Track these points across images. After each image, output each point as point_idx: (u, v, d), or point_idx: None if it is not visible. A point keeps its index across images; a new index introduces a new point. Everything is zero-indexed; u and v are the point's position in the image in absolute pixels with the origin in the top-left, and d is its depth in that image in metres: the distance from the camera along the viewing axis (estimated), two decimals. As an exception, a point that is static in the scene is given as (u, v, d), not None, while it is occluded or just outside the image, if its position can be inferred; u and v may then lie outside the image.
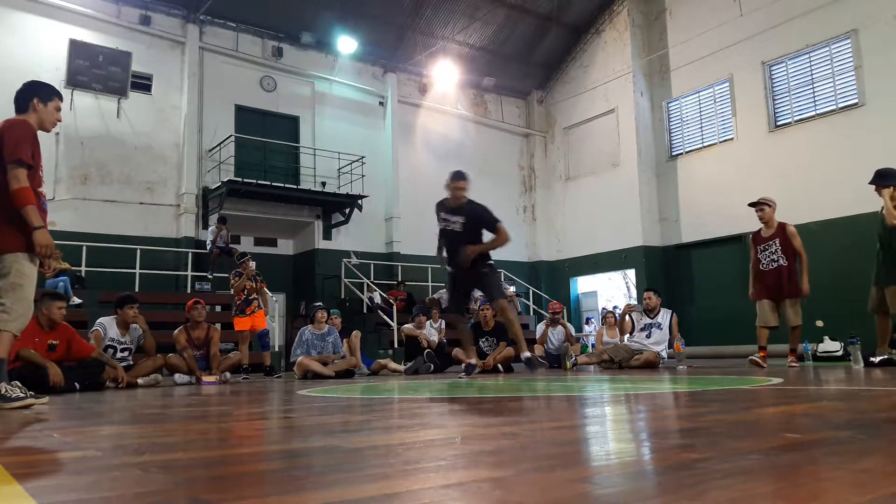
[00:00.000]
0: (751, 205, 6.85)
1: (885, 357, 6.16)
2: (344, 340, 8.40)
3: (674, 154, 15.12)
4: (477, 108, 17.46)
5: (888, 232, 6.11)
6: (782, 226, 6.72)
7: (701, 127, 14.57)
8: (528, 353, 5.70)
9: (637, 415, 2.54)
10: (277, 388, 5.55)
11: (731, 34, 13.58)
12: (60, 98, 4.00)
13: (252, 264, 8.52)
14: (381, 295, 13.16)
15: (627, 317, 8.60)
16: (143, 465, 1.49)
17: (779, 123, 13.11)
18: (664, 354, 8.29)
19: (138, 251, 11.80)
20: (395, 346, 11.37)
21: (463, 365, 6.99)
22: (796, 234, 6.65)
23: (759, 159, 13.05)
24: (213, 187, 12.98)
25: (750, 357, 6.75)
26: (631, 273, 15.22)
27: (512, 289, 15.28)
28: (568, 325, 10.17)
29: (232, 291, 8.77)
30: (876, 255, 6.33)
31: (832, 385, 3.95)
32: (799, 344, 7.20)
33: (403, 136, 15.96)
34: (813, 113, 12.58)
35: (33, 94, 3.86)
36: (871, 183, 6.33)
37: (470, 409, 3.00)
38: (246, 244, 13.75)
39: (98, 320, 6.80)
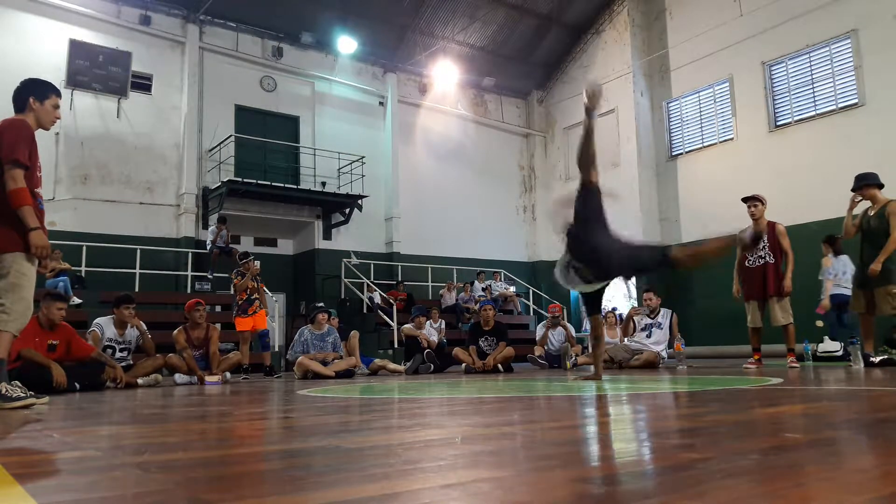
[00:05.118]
0: (744, 199, 6.86)
1: (885, 357, 6.16)
2: (342, 342, 8.39)
3: (674, 154, 15.12)
4: (477, 108, 17.46)
5: (875, 233, 6.14)
6: (772, 224, 6.73)
7: (701, 127, 14.57)
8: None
9: (637, 415, 2.54)
10: (277, 388, 5.55)
11: (731, 34, 13.58)
12: (58, 95, 3.97)
13: (256, 264, 8.52)
14: (381, 295, 13.16)
15: (631, 321, 8.61)
16: (143, 465, 1.49)
17: (779, 123, 13.11)
18: (664, 354, 8.29)
19: (138, 251, 11.80)
20: (395, 346, 11.38)
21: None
22: (785, 234, 6.67)
23: (759, 159, 13.04)
24: (213, 187, 12.98)
25: (743, 366, 6.75)
26: (631, 273, 15.20)
27: (512, 289, 15.30)
28: (568, 325, 10.17)
29: (233, 291, 8.76)
30: (861, 258, 6.33)
31: (832, 385, 3.95)
32: (798, 344, 7.20)
33: (403, 136, 15.96)
34: (813, 113, 12.57)
35: (29, 92, 3.85)
36: (856, 188, 6.34)
37: (470, 409, 3.00)
38: (246, 244, 13.75)
39: (95, 320, 6.78)
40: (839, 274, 8.65)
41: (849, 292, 8.33)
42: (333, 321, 8.51)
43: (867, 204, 6.37)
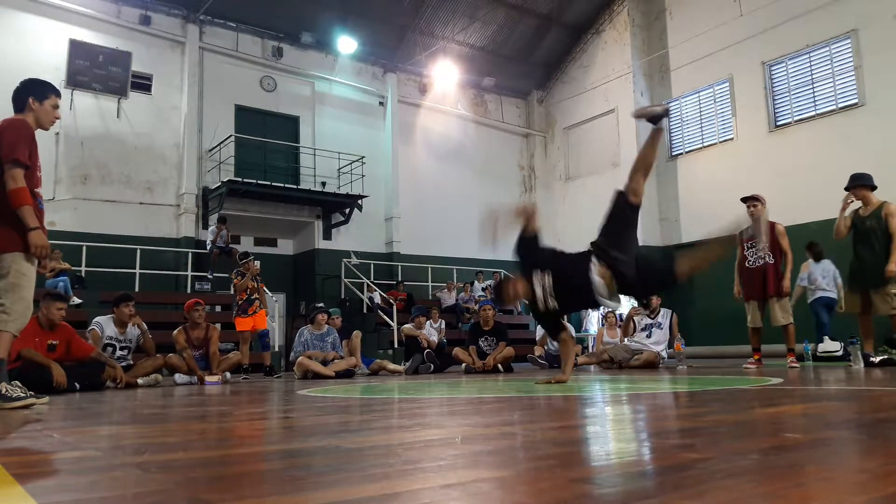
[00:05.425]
0: (744, 199, 6.86)
1: (885, 357, 6.16)
2: (344, 341, 8.40)
3: (674, 154, 15.12)
4: (477, 108, 17.46)
5: (872, 234, 6.15)
6: (772, 224, 6.73)
7: (701, 127, 14.57)
8: None
9: (637, 415, 2.54)
10: (277, 389, 5.55)
11: (731, 34, 13.58)
12: (57, 95, 3.97)
13: (256, 264, 8.53)
14: (381, 295, 13.16)
15: (631, 321, 8.61)
16: (143, 465, 1.49)
17: (779, 123, 13.11)
18: (664, 354, 8.29)
19: (138, 251, 11.80)
20: (395, 346, 11.38)
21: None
22: (785, 234, 6.68)
23: (759, 159, 13.04)
24: (213, 187, 12.98)
25: (743, 366, 6.75)
26: (631, 273, 15.21)
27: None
28: (568, 325, 10.14)
29: (233, 291, 8.76)
30: (854, 258, 6.34)
31: (832, 385, 3.95)
32: (798, 344, 7.19)
33: (403, 136, 15.96)
34: (813, 113, 12.58)
35: (28, 93, 3.85)
36: (849, 188, 6.37)
37: (470, 409, 3.00)
38: (246, 244, 13.76)
39: (95, 319, 6.78)
40: (819, 279, 8.97)
41: (831, 294, 8.84)
42: (337, 320, 8.54)
43: (858, 204, 6.42)
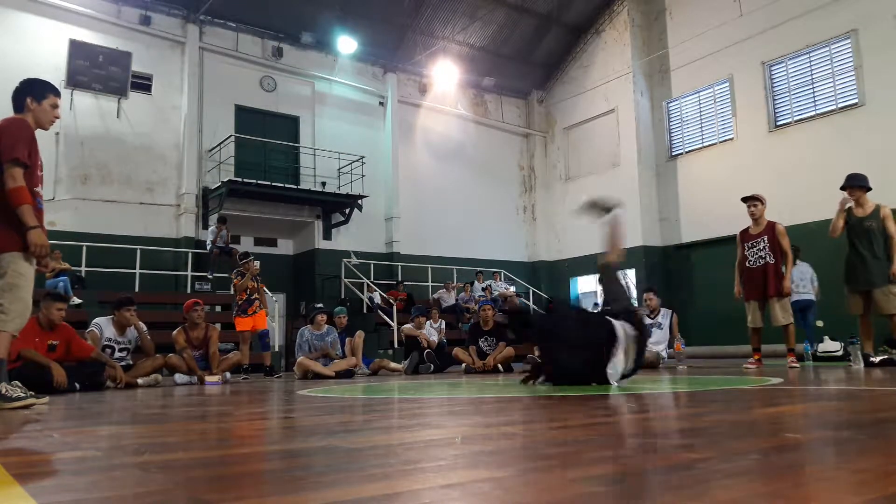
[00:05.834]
0: (744, 199, 6.87)
1: (885, 357, 6.17)
2: (347, 340, 8.41)
3: (674, 154, 15.12)
4: (477, 108, 17.46)
5: (871, 234, 6.17)
6: (772, 224, 6.74)
7: (701, 127, 14.57)
8: None
9: (637, 414, 2.54)
10: (277, 388, 5.55)
11: (731, 34, 13.58)
12: (56, 94, 3.96)
13: (256, 264, 8.53)
14: (381, 295, 13.17)
15: None
16: (143, 465, 1.49)
17: (779, 123, 13.11)
18: (664, 354, 8.28)
19: (138, 251, 11.80)
20: (395, 346, 11.38)
21: None
22: (785, 234, 6.69)
23: (759, 159, 13.04)
24: (213, 187, 12.98)
25: (743, 366, 6.75)
26: (631, 273, 15.21)
27: (512, 289, 15.30)
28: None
29: (233, 291, 8.77)
30: (852, 259, 6.35)
31: (832, 385, 3.95)
32: (798, 344, 7.20)
33: (403, 136, 15.96)
34: (813, 113, 12.58)
35: (26, 93, 3.85)
36: (846, 187, 6.40)
37: (470, 409, 3.00)
38: (246, 244, 13.75)
39: (94, 321, 6.76)
40: (797, 281, 9.01)
41: (808, 296, 9.15)
42: (343, 319, 8.55)
43: (850, 203, 6.44)
